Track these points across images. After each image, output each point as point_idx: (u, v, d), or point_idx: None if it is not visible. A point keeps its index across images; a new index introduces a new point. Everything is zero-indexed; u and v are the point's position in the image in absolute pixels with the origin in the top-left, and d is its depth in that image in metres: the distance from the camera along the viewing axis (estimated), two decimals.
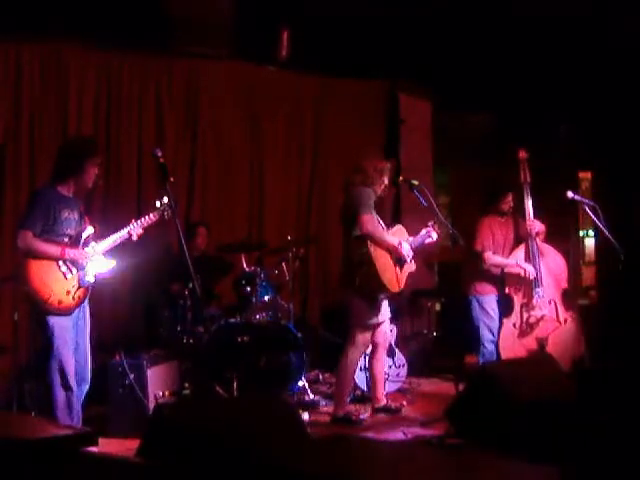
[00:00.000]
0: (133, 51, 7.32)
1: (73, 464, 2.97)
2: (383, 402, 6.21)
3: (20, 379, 5.97)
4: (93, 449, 3.14)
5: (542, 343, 6.46)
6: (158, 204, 5.39)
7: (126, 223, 5.37)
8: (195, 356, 6.28)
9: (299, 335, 6.56)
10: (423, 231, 6.24)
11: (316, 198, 8.58)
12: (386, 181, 6.08)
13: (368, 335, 6.00)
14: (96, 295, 7.32)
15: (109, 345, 6.26)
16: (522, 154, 6.78)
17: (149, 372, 5.71)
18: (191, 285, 6.17)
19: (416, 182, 6.07)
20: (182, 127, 7.77)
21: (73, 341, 5.14)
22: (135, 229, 5.34)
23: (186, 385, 6.09)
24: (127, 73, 7.44)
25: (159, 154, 5.06)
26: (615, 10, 7.39)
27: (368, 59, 8.17)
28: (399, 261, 5.98)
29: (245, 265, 6.97)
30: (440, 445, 4.80)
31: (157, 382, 5.77)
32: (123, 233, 5.32)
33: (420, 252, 6.35)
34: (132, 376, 5.63)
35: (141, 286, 7.32)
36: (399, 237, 6.03)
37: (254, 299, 6.70)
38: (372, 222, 5.80)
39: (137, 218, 5.42)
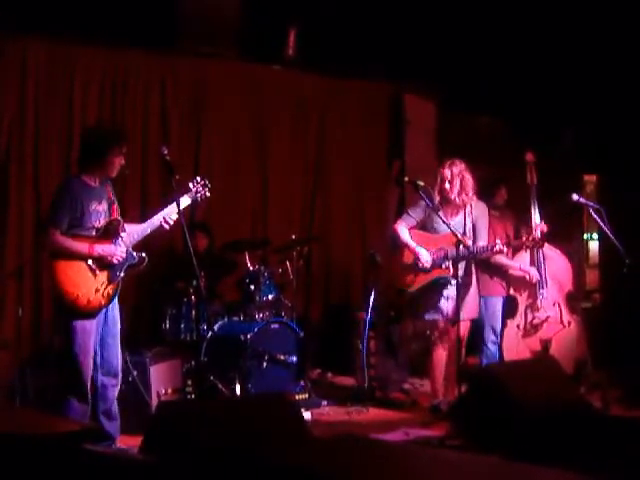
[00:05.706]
0: (139, 49, 7.31)
1: (75, 460, 2.97)
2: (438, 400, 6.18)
3: (23, 374, 5.97)
4: (95, 445, 3.15)
5: (546, 345, 6.46)
6: (191, 185, 5.12)
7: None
8: (198, 354, 6.29)
9: (302, 334, 6.56)
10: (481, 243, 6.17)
11: (320, 197, 8.57)
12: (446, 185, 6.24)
13: (441, 330, 6.09)
14: None
15: None
16: (530, 156, 6.78)
17: (152, 369, 5.72)
18: (195, 283, 6.15)
19: (422, 183, 6.08)
20: (187, 126, 7.75)
21: (94, 345, 4.90)
22: (169, 215, 5.01)
23: (189, 383, 6.10)
24: (133, 71, 7.41)
25: (165, 152, 5.02)
26: (621, 13, 7.39)
27: (374, 60, 8.17)
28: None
29: (249, 264, 6.97)
30: (440, 446, 4.80)
31: (160, 379, 5.78)
32: (154, 222, 5.02)
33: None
34: (135, 373, 5.63)
35: (145, 283, 7.33)
36: (446, 244, 6.00)
37: (257, 298, 6.70)
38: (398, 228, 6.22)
39: (160, 209, 5.06)
